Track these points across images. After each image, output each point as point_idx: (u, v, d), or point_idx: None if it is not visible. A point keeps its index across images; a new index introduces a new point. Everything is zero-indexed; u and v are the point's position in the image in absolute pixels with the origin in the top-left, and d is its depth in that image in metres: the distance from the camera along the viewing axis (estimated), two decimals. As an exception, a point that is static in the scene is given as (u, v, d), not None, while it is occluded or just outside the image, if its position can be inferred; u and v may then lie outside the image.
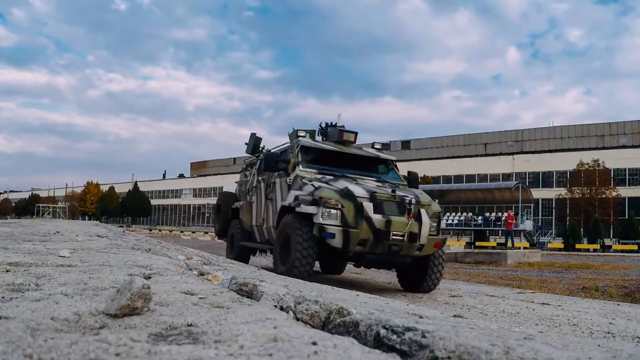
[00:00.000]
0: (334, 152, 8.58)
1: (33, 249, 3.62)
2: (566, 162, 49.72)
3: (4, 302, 1.64)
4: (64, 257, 3.12)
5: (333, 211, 6.97)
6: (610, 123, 57.99)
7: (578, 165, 45.64)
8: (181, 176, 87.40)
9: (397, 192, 7.33)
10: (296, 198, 7.43)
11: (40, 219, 32.01)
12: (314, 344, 1.22)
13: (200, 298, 1.96)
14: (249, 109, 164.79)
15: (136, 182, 78.77)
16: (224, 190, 13.00)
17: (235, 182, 11.57)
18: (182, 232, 44.88)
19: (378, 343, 1.42)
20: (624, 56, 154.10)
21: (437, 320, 2.21)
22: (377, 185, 7.75)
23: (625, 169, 49.43)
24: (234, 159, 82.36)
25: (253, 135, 11.02)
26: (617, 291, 9.68)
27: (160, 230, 48.23)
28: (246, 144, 10.95)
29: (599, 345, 1.83)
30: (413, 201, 7.31)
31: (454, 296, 7.76)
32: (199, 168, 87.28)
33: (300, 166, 8.05)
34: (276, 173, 8.47)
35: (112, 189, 78.30)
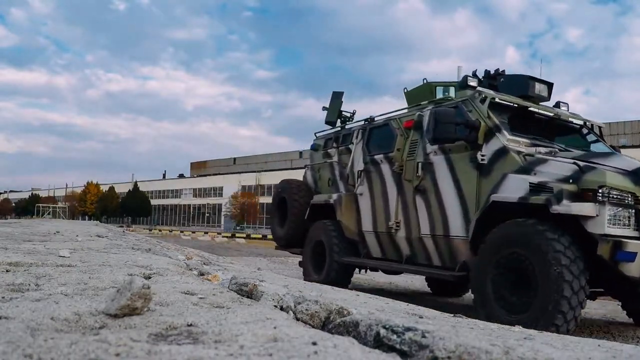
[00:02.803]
0: (536, 115, 5.75)
1: (33, 249, 3.62)
2: (566, 162, 49.67)
3: (4, 302, 1.64)
4: (64, 257, 3.12)
5: (625, 211, 4.17)
6: (610, 123, 58.01)
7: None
8: (181, 176, 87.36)
9: None
10: (537, 187, 4.42)
11: (40, 219, 32.01)
12: (314, 344, 1.22)
13: (200, 298, 1.96)
14: (248, 109, 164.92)
15: (136, 182, 78.75)
16: (282, 180, 8.72)
17: (307, 165, 8.44)
18: (182, 232, 44.84)
19: (378, 343, 1.42)
20: (623, 56, 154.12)
21: (437, 320, 2.21)
22: None
23: (625, 169, 49.39)
24: (234, 159, 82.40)
25: (339, 96, 8.09)
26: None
27: (160, 230, 48.19)
28: (325, 109, 8.21)
29: (599, 345, 1.83)
30: None
31: (454, 296, 7.77)
32: (199, 168, 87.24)
33: (506, 133, 5.08)
34: (435, 147, 5.57)
35: (112, 189, 78.25)
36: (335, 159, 7.60)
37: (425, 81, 6.81)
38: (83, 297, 1.81)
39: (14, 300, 1.68)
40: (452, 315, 2.68)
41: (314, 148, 8.32)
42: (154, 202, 78.60)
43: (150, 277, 2.51)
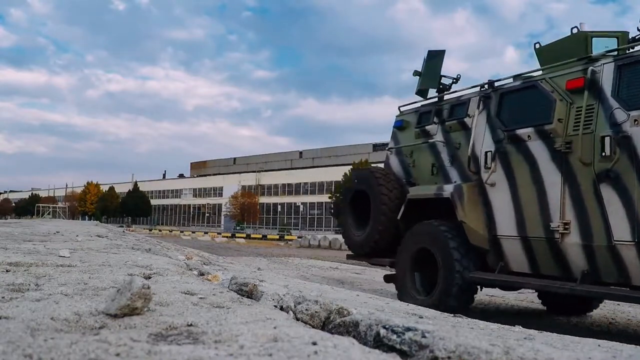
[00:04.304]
0: None
1: (33, 249, 3.62)
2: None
3: (4, 302, 1.64)
4: (64, 257, 3.11)
5: None
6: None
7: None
8: (181, 176, 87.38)
9: None
10: None
11: (40, 219, 32.02)
12: (314, 344, 1.22)
13: (200, 298, 1.96)
14: (248, 109, 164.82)
15: (136, 182, 78.75)
16: (358, 168, 6.42)
17: (390, 149, 6.61)
18: (182, 232, 44.87)
19: (378, 343, 1.42)
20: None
21: (437, 320, 2.21)
22: None
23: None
24: (234, 159, 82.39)
25: (438, 55, 6.28)
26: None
27: (160, 230, 48.24)
28: (417, 74, 6.41)
29: (599, 345, 1.83)
30: None
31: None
32: (199, 168, 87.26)
33: None
34: (638, 113, 4.08)
35: (112, 189, 78.26)
36: (439, 137, 5.78)
37: (575, 30, 5.21)
38: (83, 297, 1.81)
39: (14, 300, 1.68)
40: (452, 315, 2.68)
41: (400, 126, 6.50)
42: (154, 202, 78.61)
43: (150, 277, 2.51)
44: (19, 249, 3.54)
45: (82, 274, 2.41)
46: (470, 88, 5.73)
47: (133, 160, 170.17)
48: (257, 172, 69.01)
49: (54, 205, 74.22)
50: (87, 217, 70.08)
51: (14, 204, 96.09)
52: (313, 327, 1.66)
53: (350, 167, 50.07)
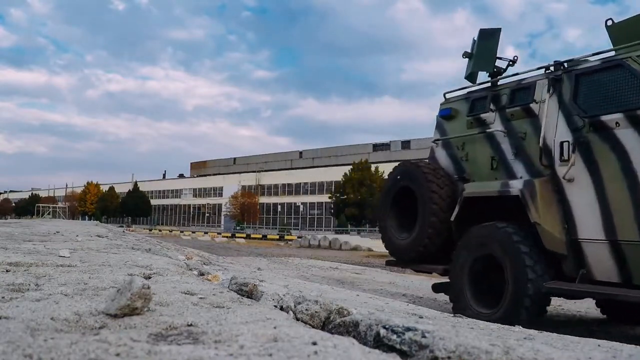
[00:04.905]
0: None
1: (33, 249, 3.62)
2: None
3: (4, 302, 1.64)
4: (64, 257, 3.12)
5: None
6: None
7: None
8: (181, 176, 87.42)
9: None
10: None
11: (40, 219, 32.02)
12: (314, 344, 1.22)
13: (200, 298, 1.96)
14: (247, 109, 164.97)
15: (136, 182, 78.80)
16: (403, 162, 6.23)
17: (436, 142, 5.96)
18: (182, 232, 44.89)
19: (378, 343, 1.42)
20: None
21: (437, 320, 2.21)
22: None
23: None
24: (234, 159, 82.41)
25: (493, 34, 5.58)
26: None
27: (160, 230, 48.27)
28: (467, 55, 5.73)
29: (599, 345, 1.83)
30: None
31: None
32: (199, 168, 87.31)
33: None
34: None
35: (112, 189, 78.32)
36: (498, 127, 5.14)
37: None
38: (83, 297, 1.81)
39: (14, 300, 1.68)
40: (452, 315, 2.68)
41: (447, 115, 5.81)
42: (154, 202, 78.66)
43: (150, 277, 2.51)
44: (19, 249, 3.54)
45: (82, 274, 2.41)
46: (532, 71, 5.09)
47: (133, 160, 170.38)
48: (257, 172, 69.07)
49: (54, 205, 74.24)
50: (87, 217, 70.12)
51: (14, 204, 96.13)
52: (313, 327, 1.66)
53: (350, 167, 50.18)
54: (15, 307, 1.53)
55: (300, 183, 64.91)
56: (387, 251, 6.07)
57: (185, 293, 2.06)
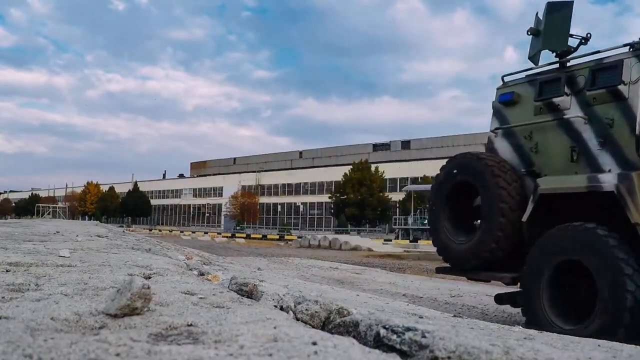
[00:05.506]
0: None
1: (33, 249, 3.62)
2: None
3: (4, 302, 1.64)
4: (64, 257, 3.12)
5: None
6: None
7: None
8: (181, 176, 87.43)
9: None
10: None
11: (40, 219, 32.02)
12: (314, 344, 1.22)
13: (200, 298, 1.96)
14: (247, 109, 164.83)
15: (136, 182, 78.80)
16: (460, 154, 5.43)
17: (495, 131, 5.23)
18: (182, 232, 44.89)
19: (378, 343, 1.42)
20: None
21: (437, 320, 2.21)
22: None
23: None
24: (234, 159, 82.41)
25: (564, 7, 4.87)
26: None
27: (160, 230, 48.27)
28: (532, 32, 5.07)
29: (599, 345, 1.83)
30: None
31: (454, 296, 7.77)
32: (199, 168, 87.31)
33: None
34: None
35: (112, 189, 78.34)
36: (575, 112, 4.51)
37: None
38: (83, 297, 1.81)
39: (14, 300, 1.68)
40: (452, 315, 2.69)
41: (508, 100, 5.13)
42: (154, 202, 78.67)
43: (150, 277, 2.51)
44: (19, 249, 3.54)
45: (82, 274, 2.41)
46: (614, 48, 4.49)
47: (133, 160, 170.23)
48: (257, 172, 69.07)
49: (54, 205, 74.24)
50: (87, 217, 70.13)
51: (14, 204, 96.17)
52: (313, 327, 1.66)
53: (350, 167, 50.17)
54: (15, 307, 1.53)
55: (300, 183, 64.94)
56: (441, 257, 5.30)
57: (185, 293, 2.05)
